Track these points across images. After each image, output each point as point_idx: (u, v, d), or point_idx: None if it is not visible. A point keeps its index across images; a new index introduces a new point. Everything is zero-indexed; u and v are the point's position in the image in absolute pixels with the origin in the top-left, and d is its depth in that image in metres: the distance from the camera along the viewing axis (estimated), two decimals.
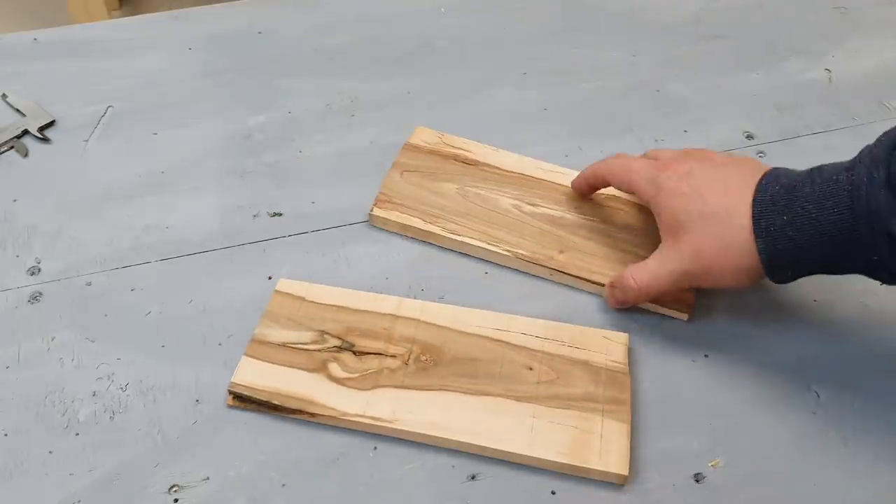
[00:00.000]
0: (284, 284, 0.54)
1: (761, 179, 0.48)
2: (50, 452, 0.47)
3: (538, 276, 0.57)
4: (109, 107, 0.67)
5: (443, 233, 0.57)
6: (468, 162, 0.62)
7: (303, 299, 0.53)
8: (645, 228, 0.58)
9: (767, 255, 0.46)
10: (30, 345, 0.52)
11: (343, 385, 0.49)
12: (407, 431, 0.47)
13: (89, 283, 0.55)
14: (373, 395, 0.49)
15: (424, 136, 0.64)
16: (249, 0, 0.78)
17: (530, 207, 0.59)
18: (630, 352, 0.52)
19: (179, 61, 0.71)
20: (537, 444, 0.47)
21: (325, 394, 0.49)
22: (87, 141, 0.65)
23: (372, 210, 0.58)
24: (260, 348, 0.51)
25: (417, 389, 0.49)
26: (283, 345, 0.51)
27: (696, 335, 0.54)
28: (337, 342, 0.51)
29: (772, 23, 0.77)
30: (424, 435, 0.47)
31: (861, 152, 0.45)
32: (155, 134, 0.65)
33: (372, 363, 0.50)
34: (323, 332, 0.52)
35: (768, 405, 0.50)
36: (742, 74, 0.72)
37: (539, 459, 0.47)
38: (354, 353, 0.51)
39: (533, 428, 0.48)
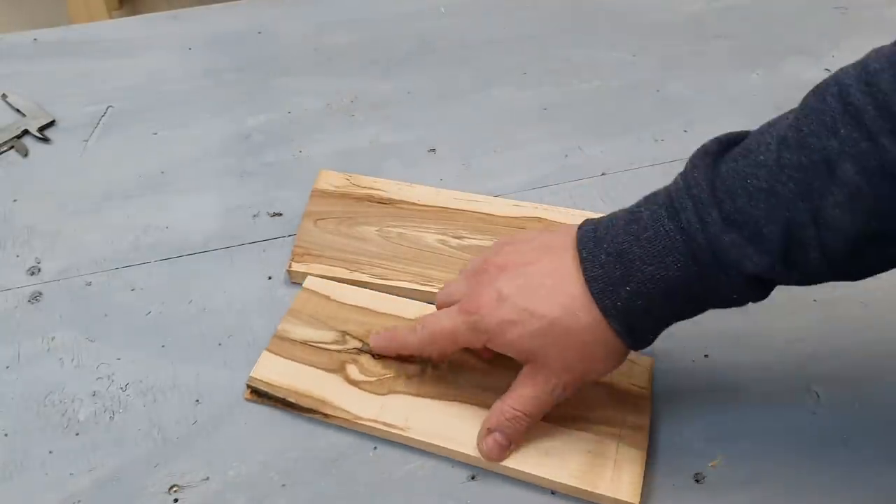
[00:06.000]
0: (312, 282, 0.54)
1: (580, 251, 0.43)
2: (50, 452, 0.47)
3: None
4: (109, 107, 0.67)
5: (371, 279, 0.54)
6: (383, 201, 0.59)
7: (328, 298, 0.53)
8: None
9: (626, 332, 0.42)
10: (30, 345, 0.52)
11: (359, 388, 0.49)
12: (418, 441, 0.47)
13: (89, 283, 0.55)
14: (387, 401, 0.49)
15: (332, 180, 0.60)
16: (249, 0, 0.78)
17: (456, 241, 0.57)
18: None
19: (179, 61, 0.71)
20: (550, 466, 0.46)
21: (340, 396, 0.49)
22: (87, 141, 0.65)
23: (290, 266, 0.55)
24: (282, 345, 0.51)
25: (433, 398, 0.49)
26: (305, 343, 0.51)
27: (696, 335, 0.54)
28: (357, 343, 0.51)
29: (772, 23, 0.77)
30: (436, 446, 0.47)
31: (676, 187, 0.41)
32: (155, 134, 0.66)
33: (390, 368, 0.50)
34: (345, 333, 0.52)
35: (768, 405, 0.50)
36: (742, 74, 0.72)
37: (550, 481, 0.46)
38: (374, 356, 0.50)
39: (547, 449, 0.47)
